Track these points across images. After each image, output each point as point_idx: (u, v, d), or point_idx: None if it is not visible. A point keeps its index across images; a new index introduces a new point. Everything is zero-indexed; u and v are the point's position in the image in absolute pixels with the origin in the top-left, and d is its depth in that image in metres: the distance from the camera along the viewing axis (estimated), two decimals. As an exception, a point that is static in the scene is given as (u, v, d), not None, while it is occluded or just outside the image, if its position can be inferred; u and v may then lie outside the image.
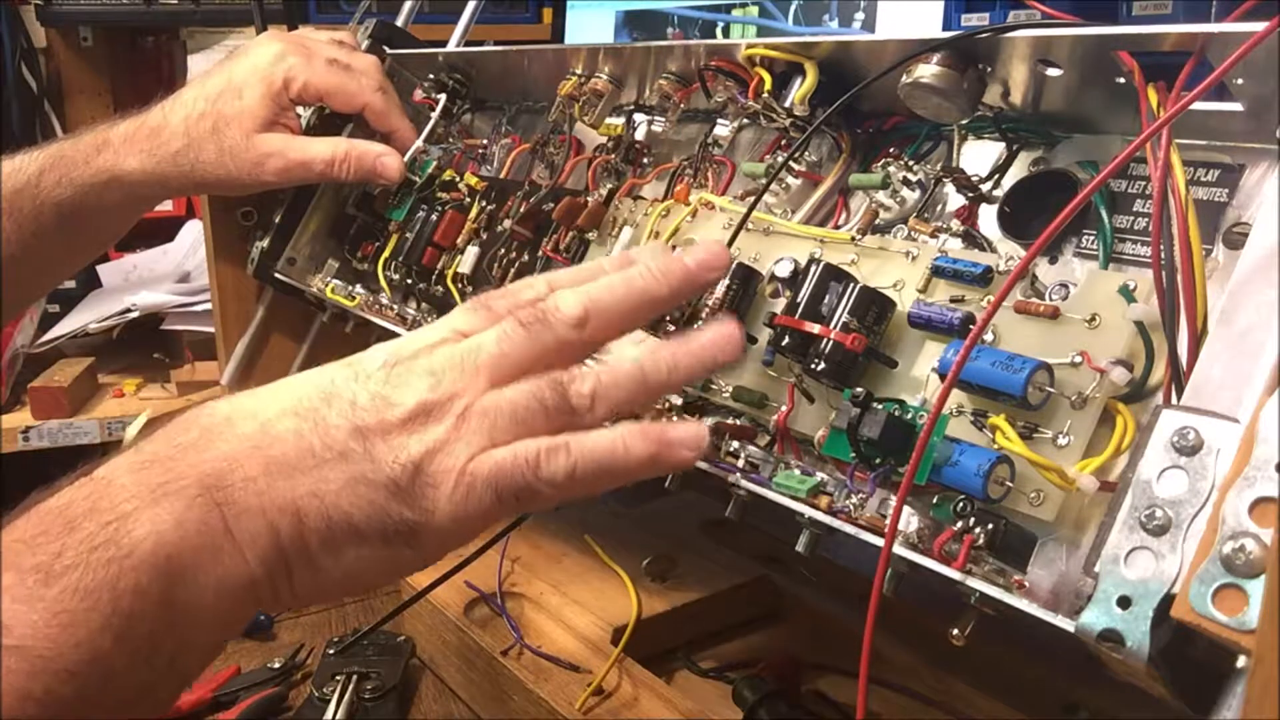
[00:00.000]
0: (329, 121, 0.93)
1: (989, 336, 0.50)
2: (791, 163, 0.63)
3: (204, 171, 0.87)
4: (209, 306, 1.10)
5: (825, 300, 0.55)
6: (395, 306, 0.88)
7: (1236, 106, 0.46)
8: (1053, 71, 0.52)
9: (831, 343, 0.53)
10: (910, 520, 0.49)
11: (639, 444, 0.47)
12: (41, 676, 0.37)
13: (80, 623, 0.38)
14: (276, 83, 0.87)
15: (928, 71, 0.54)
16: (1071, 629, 0.39)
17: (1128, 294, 0.46)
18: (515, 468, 0.45)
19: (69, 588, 0.38)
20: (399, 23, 1.03)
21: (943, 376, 0.49)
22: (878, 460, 0.49)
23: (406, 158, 0.88)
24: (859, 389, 0.49)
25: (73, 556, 0.39)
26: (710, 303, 0.60)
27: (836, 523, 0.51)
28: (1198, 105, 0.44)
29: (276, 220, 0.99)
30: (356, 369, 0.47)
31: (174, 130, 0.86)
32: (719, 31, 1.34)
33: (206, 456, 0.43)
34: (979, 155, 0.58)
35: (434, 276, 0.84)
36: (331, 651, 0.75)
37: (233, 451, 0.44)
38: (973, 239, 0.56)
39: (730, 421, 0.60)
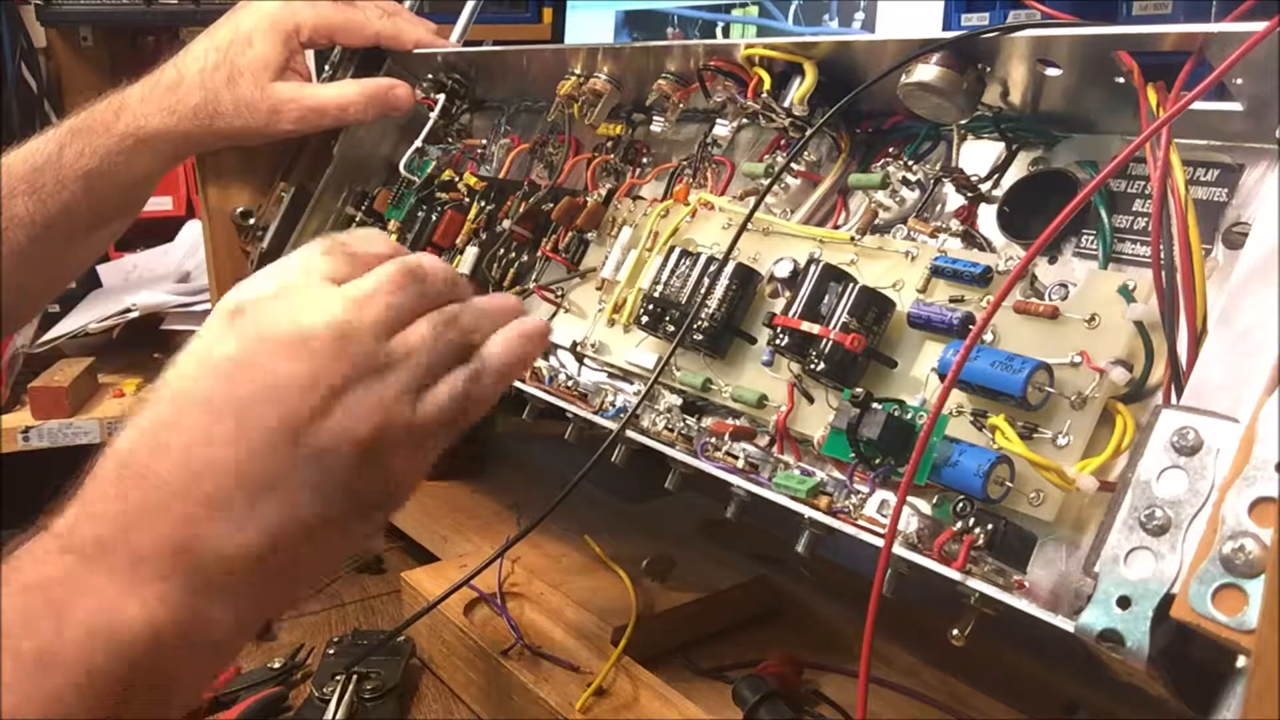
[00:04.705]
0: (368, 60, 0.94)
1: (989, 336, 0.50)
2: (791, 163, 0.63)
3: (224, 123, 0.88)
4: (209, 306, 1.09)
5: (825, 300, 0.55)
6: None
7: (1236, 106, 0.46)
8: (1052, 71, 0.52)
9: (831, 343, 0.53)
10: (910, 520, 0.49)
11: (523, 346, 0.51)
12: None
13: (78, 709, 0.39)
14: (286, 27, 0.88)
15: (927, 72, 0.54)
16: (1071, 629, 0.39)
17: (1127, 294, 0.46)
18: (458, 405, 0.48)
19: (68, 676, 0.39)
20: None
21: (942, 376, 0.49)
22: (877, 460, 0.49)
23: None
24: (859, 389, 0.49)
25: (69, 643, 0.39)
26: (710, 303, 0.60)
27: (836, 523, 0.51)
28: (1197, 105, 0.44)
29: (276, 221, 0.99)
30: (251, 356, 0.45)
31: (190, 84, 0.87)
32: (719, 31, 1.34)
33: (168, 524, 0.42)
34: (978, 155, 0.58)
35: (434, 276, 0.83)
36: (331, 651, 0.75)
37: (189, 511, 0.42)
38: (972, 239, 0.56)
39: (730, 422, 0.60)
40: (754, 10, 1.29)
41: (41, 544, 0.42)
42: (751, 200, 0.64)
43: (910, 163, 0.59)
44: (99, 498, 0.43)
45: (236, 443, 0.43)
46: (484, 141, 0.91)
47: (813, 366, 0.54)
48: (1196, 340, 0.43)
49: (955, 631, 0.45)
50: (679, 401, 0.63)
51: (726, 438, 0.59)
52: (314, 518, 0.44)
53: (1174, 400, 0.42)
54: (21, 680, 0.38)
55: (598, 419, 0.65)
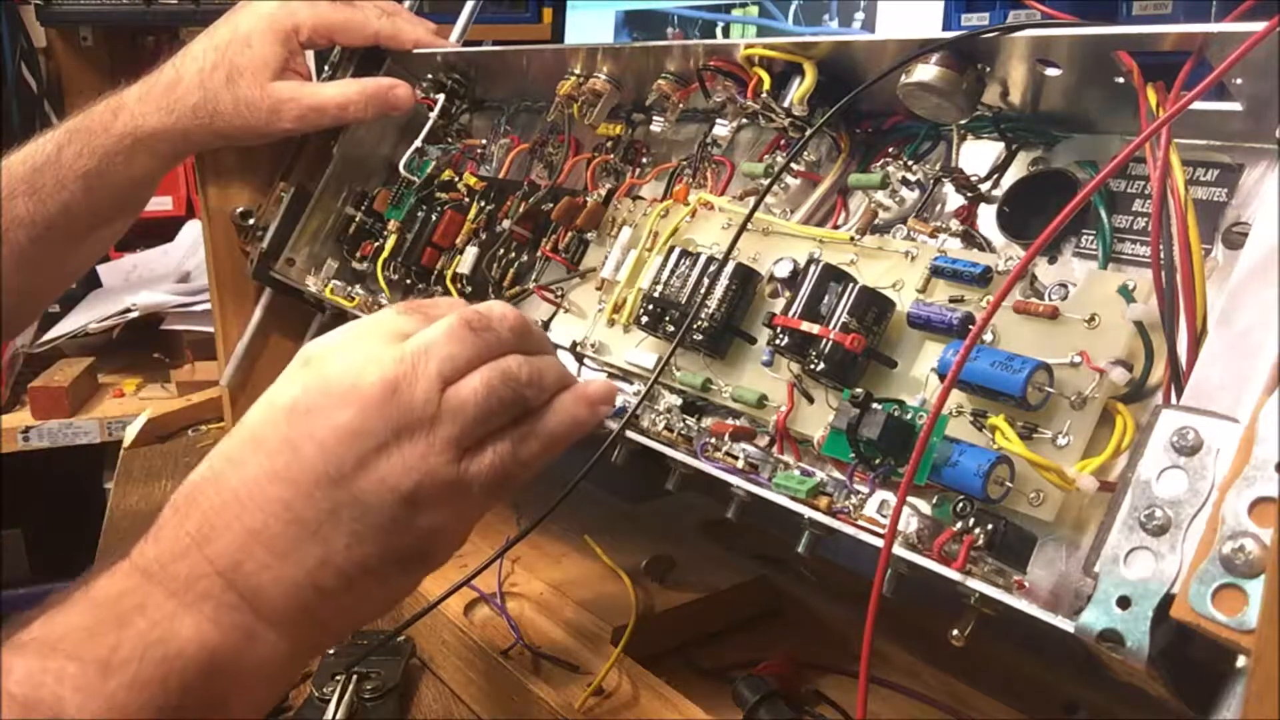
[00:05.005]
0: (367, 60, 0.94)
1: (988, 337, 0.50)
2: (791, 163, 0.63)
3: (223, 122, 0.88)
4: (209, 306, 1.10)
5: (824, 300, 0.55)
6: (395, 307, 0.88)
7: (1236, 106, 0.46)
8: (1052, 71, 0.52)
9: (831, 343, 0.53)
10: (910, 520, 0.49)
11: (579, 412, 0.53)
12: None
13: (134, 714, 0.41)
14: (285, 27, 0.88)
15: (927, 72, 0.54)
16: (1071, 629, 0.39)
17: (1127, 294, 0.46)
18: (503, 467, 0.49)
19: (124, 683, 0.41)
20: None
21: (942, 377, 0.49)
22: (877, 460, 0.49)
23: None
24: (858, 389, 0.49)
25: (127, 652, 0.42)
26: (710, 303, 0.60)
27: (836, 523, 0.51)
28: (1197, 105, 0.44)
29: (275, 221, 0.99)
30: (310, 402, 0.47)
31: (189, 84, 0.87)
32: (719, 31, 1.34)
33: (218, 550, 0.45)
34: (978, 155, 0.58)
35: (433, 277, 0.84)
36: (331, 651, 0.75)
37: (238, 541, 0.45)
38: (972, 239, 0.56)
39: (730, 422, 0.60)
40: (754, 10, 1.29)
41: (117, 564, 0.45)
42: (751, 200, 0.64)
43: (910, 163, 0.59)
44: (165, 523, 0.46)
45: (285, 483, 0.45)
46: (484, 141, 0.91)
47: (813, 366, 0.54)
48: (1196, 340, 0.43)
49: (955, 631, 0.45)
50: (679, 402, 0.63)
51: (726, 438, 0.59)
52: (352, 566, 0.46)
53: (1174, 400, 0.42)
54: (86, 682, 0.41)
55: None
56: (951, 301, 0.52)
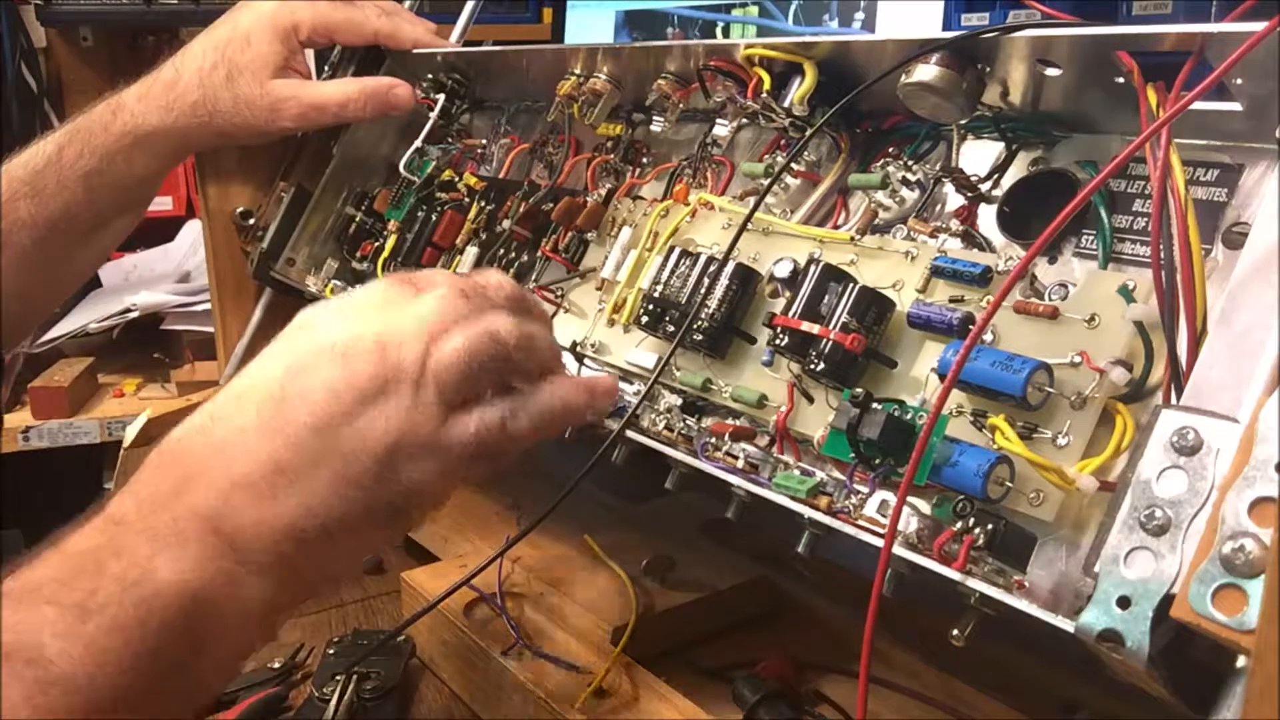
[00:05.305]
0: (367, 60, 0.95)
1: (988, 337, 0.50)
2: (791, 163, 0.63)
3: (223, 120, 0.88)
4: (209, 306, 1.10)
5: (824, 300, 0.55)
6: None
7: (1236, 106, 0.46)
8: (1052, 71, 0.52)
9: (831, 343, 0.53)
10: (910, 520, 0.49)
11: (576, 396, 0.53)
12: (80, 706, 0.40)
13: (114, 655, 0.41)
14: (284, 26, 0.88)
15: (927, 72, 0.54)
16: (1071, 629, 0.39)
17: (1127, 294, 0.46)
18: (487, 434, 0.49)
19: (104, 625, 0.41)
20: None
21: (942, 377, 0.49)
22: (877, 460, 0.49)
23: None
24: (858, 389, 0.49)
25: (105, 596, 0.42)
26: (710, 303, 0.60)
27: (836, 523, 0.51)
28: (1197, 105, 0.44)
29: (275, 221, 0.99)
30: (300, 361, 0.48)
31: (188, 83, 0.87)
32: (719, 31, 1.34)
33: (200, 498, 0.46)
34: (978, 155, 0.58)
35: (434, 277, 0.84)
36: (331, 651, 0.75)
37: (221, 488, 0.46)
38: (972, 239, 0.56)
39: (730, 422, 0.60)
40: (754, 10, 1.29)
41: (90, 521, 0.46)
42: (751, 200, 0.64)
43: (910, 163, 0.59)
44: (141, 479, 0.47)
45: (270, 433, 0.46)
46: (484, 141, 0.91)
47: (813, 366, 0.54)
48: (1196, 340, 0.43)
49: (955, 631, 0.45)
50: (679, 401, 0.63)
51: (726, 438, 0.59)
52: (332, 516, 0.46)
53: (1174, 400, 0.42)
54: (65, 627, 0.41)
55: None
56: (951, 301, 0.52)
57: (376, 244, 0.91)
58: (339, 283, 0.94)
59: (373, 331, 0.48)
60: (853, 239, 0.58)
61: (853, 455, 0.50)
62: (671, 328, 0.62)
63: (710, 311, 0.60)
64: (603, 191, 0.75)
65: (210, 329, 1.27)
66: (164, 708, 0.44)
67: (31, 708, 0.39)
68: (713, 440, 0.59)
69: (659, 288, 0.63)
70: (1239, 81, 0.44)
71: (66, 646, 0.40)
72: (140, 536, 0.44)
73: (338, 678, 0.72)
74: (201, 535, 0.45)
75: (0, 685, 0.38)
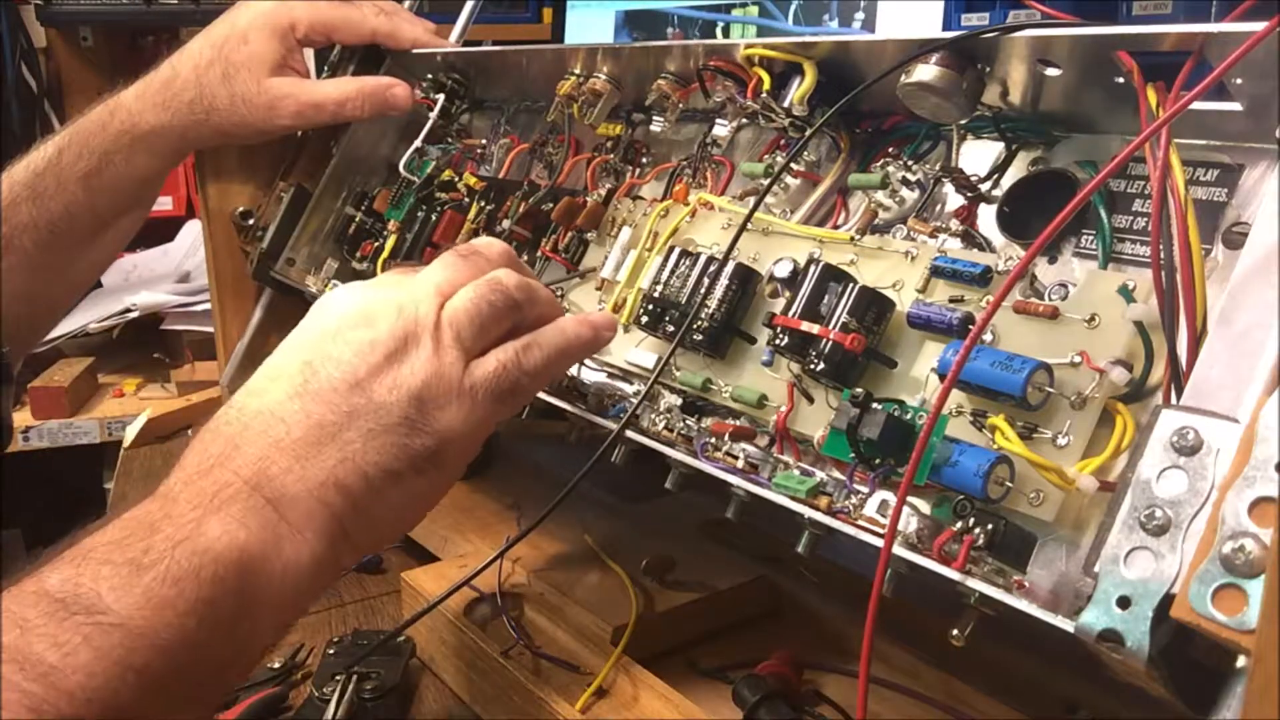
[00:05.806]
0: (367, 60, 0.95)
1: (988, 336, 0.50)
2: (791, 163, 0.63)
3: (220, 119, 0.88)
4: (209, 306, 1.10)
5: (824, 300, 0.55)
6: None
7: (1236, 106, 0.46)
8: (1052, 71, 0.51)
9: (831, 343, 0.53)
10: (910, 520, 0.49)
11: (581, 329, 0.58)
12: (140, 651, 0.42)
13: (170, 605, 0.43)
14: (282, 25, 0.88)
15: (927, 72, 0.54)
16: (1071, 629, 0.39)
17: (1127, 294, 0.46)
18: (507, 371, 0.54)
19: (159, 576, 0.43)
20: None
21: (942, 376, 0.49)
22: (878, 460, 0.49)
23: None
24: (858, 389, 0.49)
25: (158, 552, 0.44)
26: (710, 303, 0.60)
27: (836, 523, 0.51)
28: (1197, 105, 0.44)
29: (275, 221, 0.99)
30: (324, 329, 0.53)
31: (185, 81, 0.88)
32: (719, 31, 1.34)
33: (242, 462, 0.48)
34: (978, 155, 0.58)
35: (433, 277, 0.84)
36: (331, 651, 0.75)
37: (261, 452, 0.49)
38: (972, 239, 0.56)
39: (730, 422, 0.60)
40: (754, 10, 1.29)
41: (139, 502, 0.48)
42: (751, 200, 0.64)
43: (910, 163, 0.59)
44: (186, 458, 0.50)
45: (305, 396, 0.50)
46: (484, 141, 0.91)
47: (813, 366, 0.54)
48: (1196, 340, 0.43)
49: (955, 631, 0.45)
50: (679, 402, 0.63)
51: (726, 438, 0.59)
52: (370, 464, 0.50)
53: (1174, 400, 0.42)
54: (121, 581, 0.43)
55: (598, 419, 0.65)
56: (951, 301, 0.52)
57: (376, 244, 0.91)
58: (339, 283, 0.94)
59: (389, 297, 0.53)
60: (852, 239, 0.58)
61: (853, 455, 0.50)
62: (671, 328, 0.62)
63: (710, 311, 0.60)
64: (602, 191, 0.75)
65: (210, 329, 1.27)
66: (221, 659, 0.46)
67: (93, 650, 0.40)
68: (712, 440, 0.59)
69: (659, 288, 0.63)
70: (1239, 81, 0.44)
71: (123, 596, 0.42)
72: (187, 504, 0.47)
73: (338, 678, 0.71)
74: (246, 495, 0.47)
75: (58, 633, 0.40)
